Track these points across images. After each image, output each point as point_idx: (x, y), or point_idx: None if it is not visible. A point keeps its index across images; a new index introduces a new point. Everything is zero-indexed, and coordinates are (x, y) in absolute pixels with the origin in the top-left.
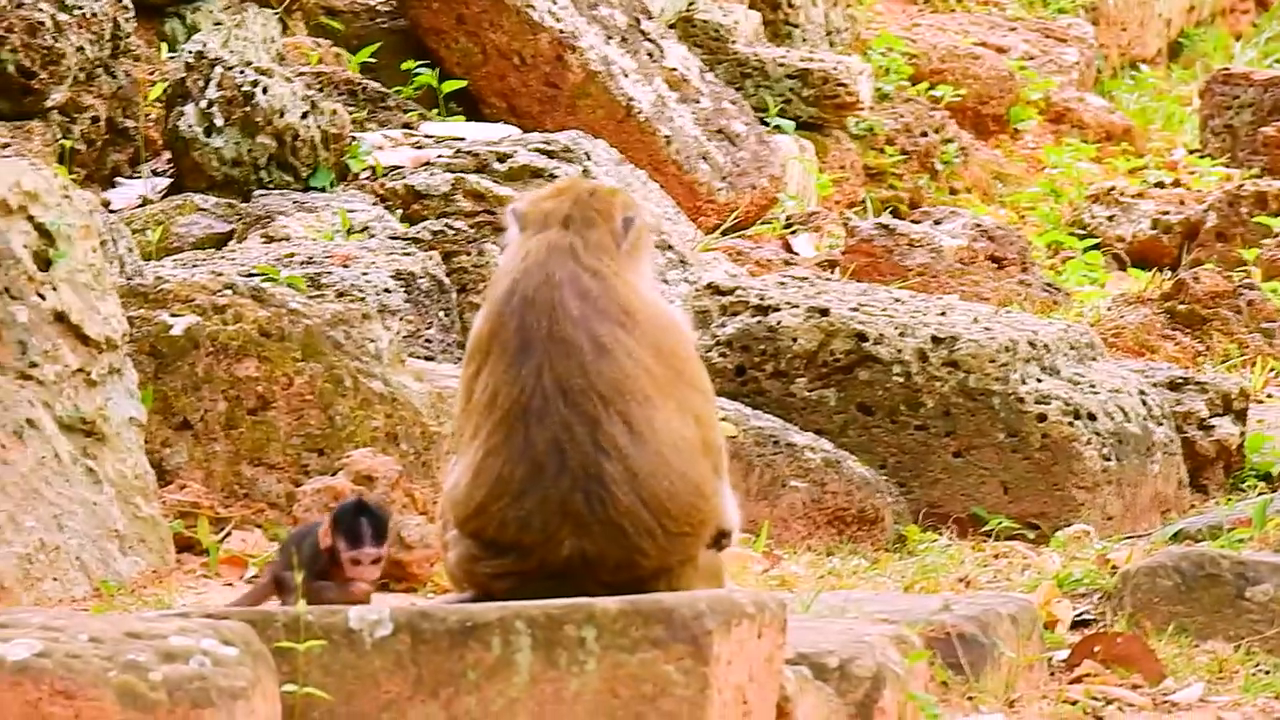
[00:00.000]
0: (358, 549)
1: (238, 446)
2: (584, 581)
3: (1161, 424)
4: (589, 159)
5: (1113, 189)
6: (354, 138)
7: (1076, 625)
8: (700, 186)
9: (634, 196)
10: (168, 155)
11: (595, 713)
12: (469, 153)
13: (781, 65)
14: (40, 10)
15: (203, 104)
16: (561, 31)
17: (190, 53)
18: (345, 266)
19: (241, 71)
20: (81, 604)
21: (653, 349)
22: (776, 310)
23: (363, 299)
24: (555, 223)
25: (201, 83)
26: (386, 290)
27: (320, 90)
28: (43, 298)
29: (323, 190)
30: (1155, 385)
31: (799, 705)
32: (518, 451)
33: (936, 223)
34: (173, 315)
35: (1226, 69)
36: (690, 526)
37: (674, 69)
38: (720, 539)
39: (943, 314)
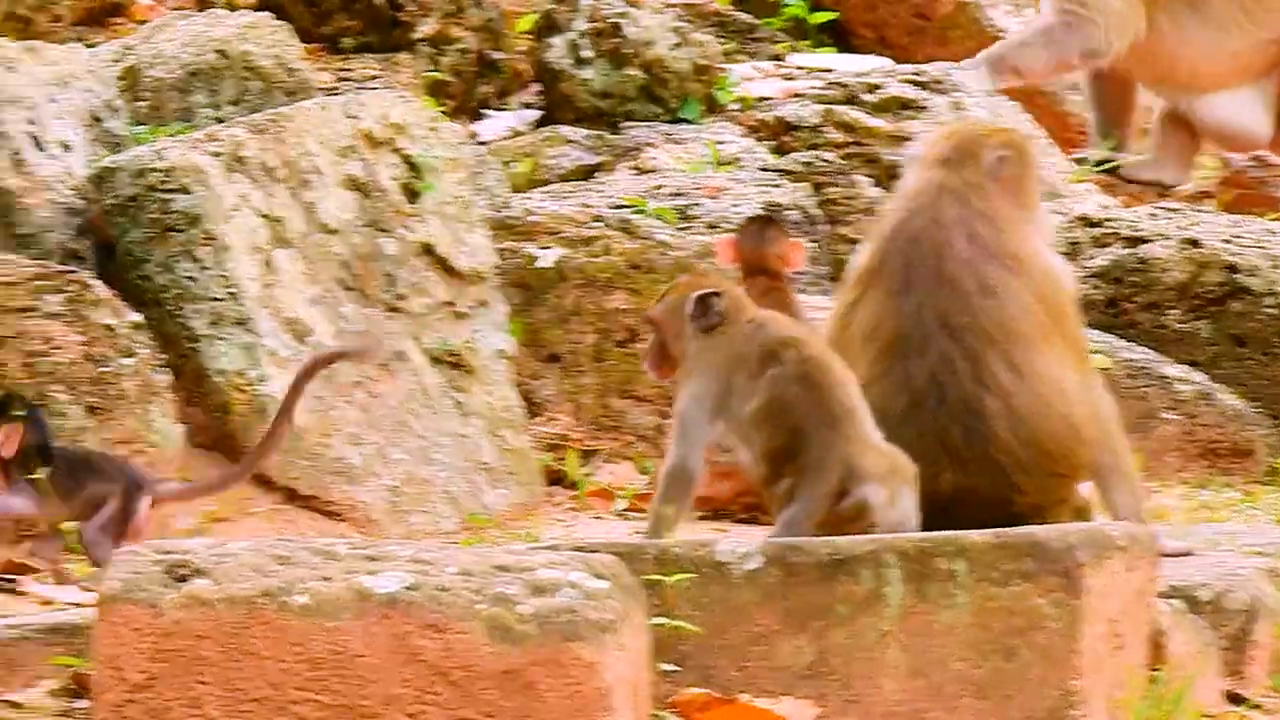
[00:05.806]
0: None
1: (606, 379)
2: (961, 516)
3: None
4: (959, 91)
5: None
6: (723, 69)
7: None
8: (1071, 117)
9: (1024, 139)
10: (537, 87)
11: (966, 645)
12: (838, 84)
13: None
14: None
15: (572, 36)
16: None
17: None
18: (714, 198)
19: (610, 3)
20: (450, 537)
21: (1037, 295)
22: (1148, 242)
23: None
24: (936, 163)
25: (570, 14)
26: None
27: (689, 22)
28: (410, 230)
29: (691, 122)
30: None
31: (1172, 638)
32: (897, 383)
33: None
34: (541, 247)
35: None
36: (1068, 469)
37: None
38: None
39: None
